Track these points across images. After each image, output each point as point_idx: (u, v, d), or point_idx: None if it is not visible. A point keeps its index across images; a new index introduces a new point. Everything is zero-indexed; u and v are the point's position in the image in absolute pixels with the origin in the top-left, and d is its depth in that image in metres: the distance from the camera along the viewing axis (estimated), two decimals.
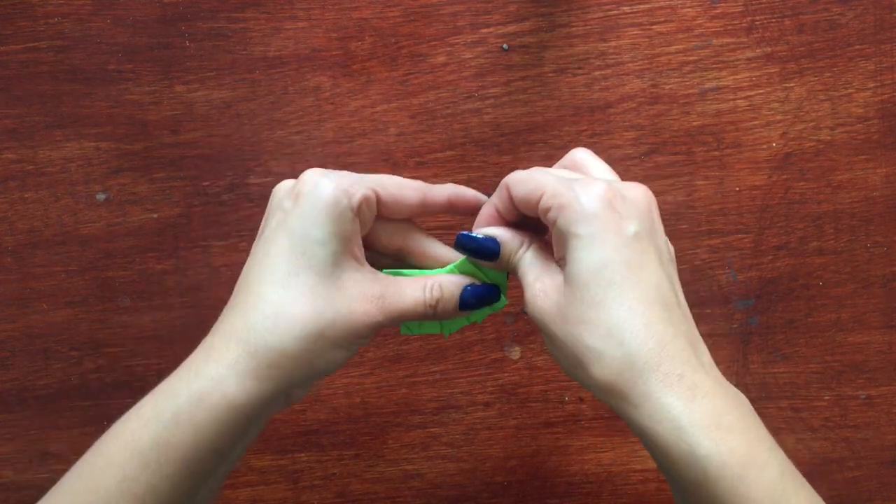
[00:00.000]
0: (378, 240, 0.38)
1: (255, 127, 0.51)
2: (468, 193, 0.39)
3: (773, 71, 0.50)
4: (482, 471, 0.53)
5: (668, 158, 0.51)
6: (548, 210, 0.34)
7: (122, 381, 0.52)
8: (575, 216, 0.33)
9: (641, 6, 0.50)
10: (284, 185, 0.36)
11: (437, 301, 0.37)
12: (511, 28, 0.50)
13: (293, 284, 0.34)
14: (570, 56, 0.50)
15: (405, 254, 0.39)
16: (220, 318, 0.35)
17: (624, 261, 0.33)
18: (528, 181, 0.35)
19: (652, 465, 0.52)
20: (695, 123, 0.51)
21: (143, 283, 0.51)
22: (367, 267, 0.37)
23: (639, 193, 0.35)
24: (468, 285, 0.38)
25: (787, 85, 0.51)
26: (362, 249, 0.36)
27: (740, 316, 0.52)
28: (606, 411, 0.52)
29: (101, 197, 0.51)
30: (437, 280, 0.37)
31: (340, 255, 0.35)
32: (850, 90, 0.51)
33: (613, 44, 0.50)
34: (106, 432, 0.34)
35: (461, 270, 0.39)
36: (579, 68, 0.50)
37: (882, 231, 0.52)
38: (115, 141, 0.50)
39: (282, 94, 0.50)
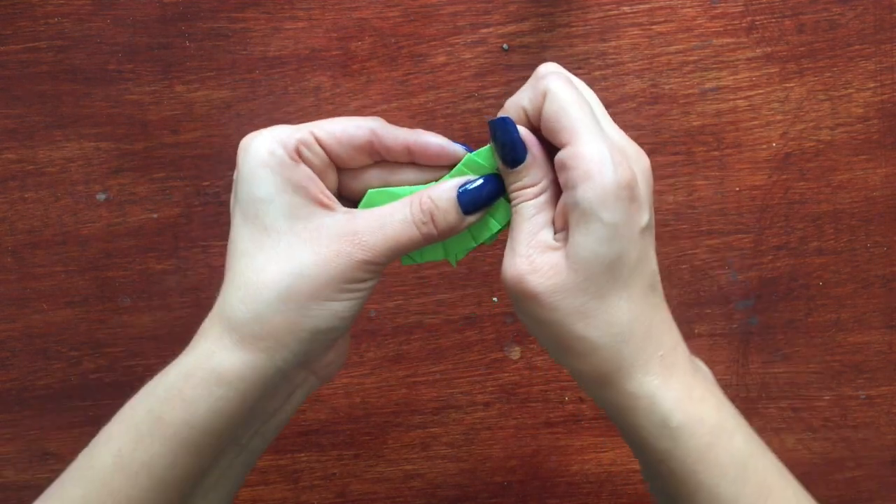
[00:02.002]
0: (349, 189, 0.35)
1: (255, 127, 0.50)
2: (432, 141, 0.34)
3: (773, 71, 0.50)
4: (482, 471, 0.53)
5: (668, 158, 0.51)
6: (570, 169, 0.31)
7: (122, 381, 0.52)
8: (602, 196, 0.30)
9: (641, 6, 0.50)
10: None
11: (431, 214, 0.33)
12: (511, 28, 0.50)
13: (253, 251, 0.33)
14: (570, 56, 0.50)
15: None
16: None
17: (634, 257, 0.32)
18: (563, 111, 0.31)
19: None
20: (695, 123, 0.51)
21: (143, 283, 0.51)
22: (341, 209, 0.34)
23: (645, 165, 0.33)
24: (463, 184, 0.33)
25: (787, 85, 0.51)
26: (327, 194, 0.34)
27: (740, 316, 0.52)
28: None
29: (101, 197, 0.51)
30: (424, 192, 0.33)
31: (296, 206, 0.33)
32: (850, 90, 0.51)
33: (613, 44, 0.50)
34: None
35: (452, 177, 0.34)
36: (579, 68, 0.50)
37: (882, 231, 0.52)
38: (115, 141, 0.50)
39: (282, 94, 0.50)
